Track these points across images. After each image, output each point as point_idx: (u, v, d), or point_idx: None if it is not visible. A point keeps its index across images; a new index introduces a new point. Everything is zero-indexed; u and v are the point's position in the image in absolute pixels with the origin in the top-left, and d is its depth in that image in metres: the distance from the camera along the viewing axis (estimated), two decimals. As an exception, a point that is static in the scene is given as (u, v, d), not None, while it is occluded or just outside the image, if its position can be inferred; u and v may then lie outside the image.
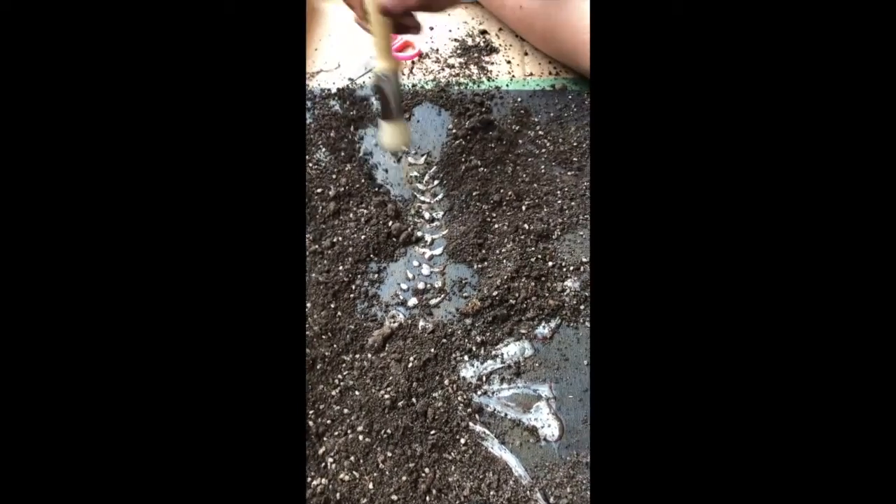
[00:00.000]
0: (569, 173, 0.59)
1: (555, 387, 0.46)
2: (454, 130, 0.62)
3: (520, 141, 0.62)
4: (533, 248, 0.53)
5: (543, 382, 0.46)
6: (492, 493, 0.40)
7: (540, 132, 0.63)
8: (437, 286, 0.52)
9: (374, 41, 0.48)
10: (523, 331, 0.48)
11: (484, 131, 0.62)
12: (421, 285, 0.51)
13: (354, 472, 0.41)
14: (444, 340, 0.48)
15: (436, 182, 0.59)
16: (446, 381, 0.46)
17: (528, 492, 0.40)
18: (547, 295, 0.50)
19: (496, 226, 0.55)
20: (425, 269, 0.53)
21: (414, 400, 0.45)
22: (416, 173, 0.59)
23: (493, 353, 0.47)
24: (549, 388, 0.46)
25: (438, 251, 0.54)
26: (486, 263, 0.52)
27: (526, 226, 0.54)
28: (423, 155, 0.60)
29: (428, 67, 0.70)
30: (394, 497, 0.40)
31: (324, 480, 0.40)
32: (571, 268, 0.52)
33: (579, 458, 0.42)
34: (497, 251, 0.53)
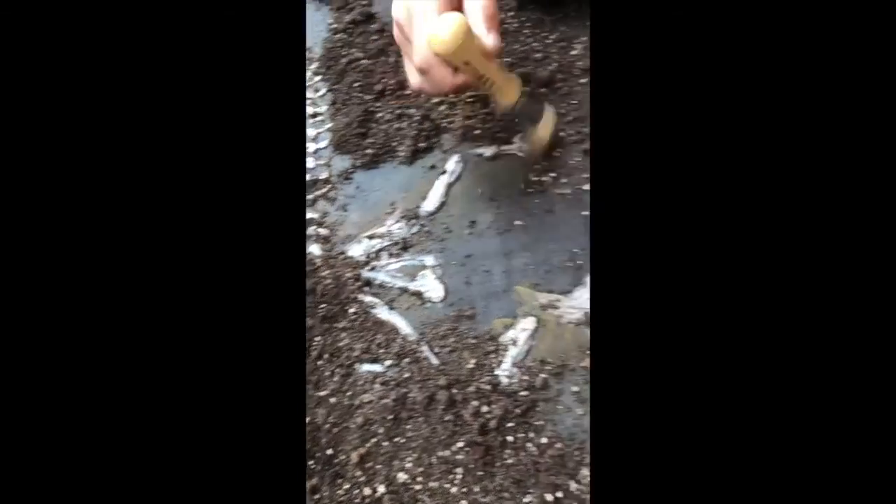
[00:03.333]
0: (452, 61, 0.60)
1: (439, 255, 0.48)
2: (334, 25, 0.61)
3: (403, 32, 0.62)
4: (416, 133, 0.54)
5: (429, 253, 0.49)
6: (381, 350, 0.43)
7: (423, 23, 0.63)
8: (321, 178, 0.52)
9: (498, 87, 0.44)
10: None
11: (366, 24, 0.61)
12: (308, 177, 0.52)
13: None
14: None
15: (318, 78, 0.58)
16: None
17: (414, 345, 0.44)
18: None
19: (379, 115, 0.55)
20: (310, 162, 0.53)
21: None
22: None
23: (381, 231, 0.49)
24: (433, 258, 0.48)
25: (324, 144, 0.54)
26: (369, 150, 0.53)
27: (410, 111, 0.55)
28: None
29: (305, -37, 0.67)
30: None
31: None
32: (454, 143, 0.54)
33: (461, 311, 0.45)
34: (381, 138, 0.54)
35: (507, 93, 0.46)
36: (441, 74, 0.39)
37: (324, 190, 0.51)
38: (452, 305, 0.46)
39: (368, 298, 0.46)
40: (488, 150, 0.54)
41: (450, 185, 0.52)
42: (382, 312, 0.45)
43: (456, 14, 0.37)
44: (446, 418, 0.40)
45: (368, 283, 0.47)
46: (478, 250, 0.49)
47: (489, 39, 0.39)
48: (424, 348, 0.44)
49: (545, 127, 0.50)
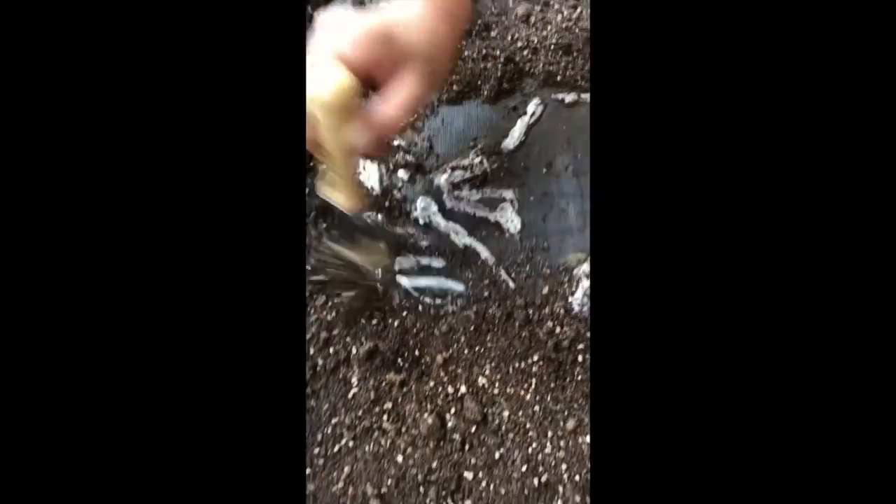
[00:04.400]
0: (536, 7, 0.61)
1: (518, 191, 0.51)
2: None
3: (489, -24, 0.63)
4: (500, 74, 0.56)
5: (508, 188, 0.51)
6: (461, 267, 0.47)
7: (508, -32, 0.63)
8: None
9: (335, 181, 0.38)
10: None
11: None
12: (395, 107, 0.54)
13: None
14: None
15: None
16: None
17: (493, 268, 0.47)
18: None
19: (466, 53, 0.57)
20: (398, 93, 0.55)
21: (387, 204, 0.49)
22: None
23: (464, 163, 0.52)
24: (512, 192, 0.51)
25: (410, 77, 0.56)
26: (455, 87, 0.55)
27: (495, 53, 0.57)
28: None
29: None
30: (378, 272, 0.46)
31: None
32: (535, 87, 0.56)
33: (537, 243, 0.48)
34: (466, 76, 0.56)
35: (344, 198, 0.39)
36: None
37: (410, 120, 0.54)
38: (529, 237, 0.49)
39: (450, 224, 0.49)
40: (568, 97, 0.56)
41: (530, 126, 0.54)
42: (463, 238, 0.48)
43: (348, 75, 0.33)
44: (522, 334, 0.43)
45: (452, 210, 0.50)
46: (554, 189, 0.51)
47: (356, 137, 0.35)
48: (502, 272, 0.47)
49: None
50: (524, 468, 0.39)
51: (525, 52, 0.58)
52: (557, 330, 0.44)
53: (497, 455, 0.39)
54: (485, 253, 0.48)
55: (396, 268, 0.47)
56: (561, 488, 0.38)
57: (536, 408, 0.41)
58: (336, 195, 0.39)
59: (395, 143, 0.53)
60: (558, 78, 0.57)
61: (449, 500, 0.38)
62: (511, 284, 0.46)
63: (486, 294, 0.46)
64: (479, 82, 0.56)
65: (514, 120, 0.55)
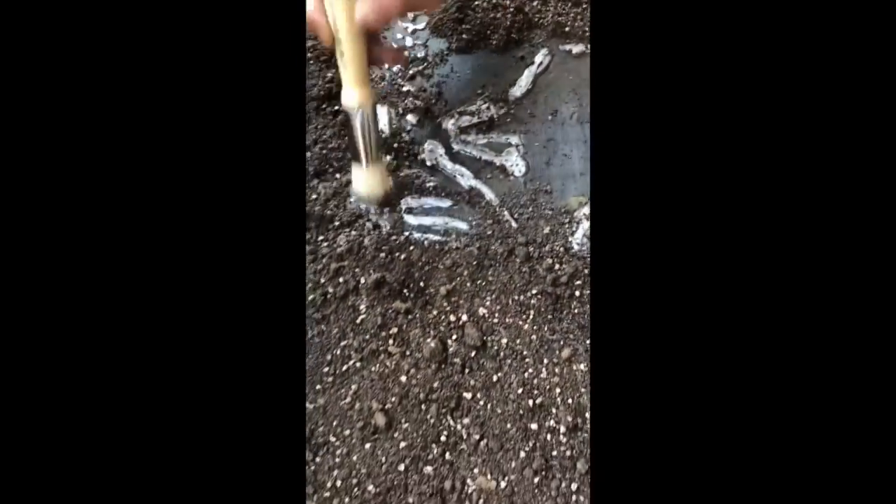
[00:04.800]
0: (547, -41, 0.61)
1: (523, 137, 0.52)
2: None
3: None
4: (509, 24, 0.57)
5: (514, 133, 0.53)
6: (466, 207, 0.48)
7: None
8: (420, 56, 0.56)
9: (345, 67, 0.39)
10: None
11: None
12: (406, 53, 0.56)
13: (351, 195, 0.48)
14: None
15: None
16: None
17: (496, 209, 0.49)
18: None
19: (476, 2, 0.58)
20: (409, 41, 0.56)
21: (395, 145, 0.51)
22: None
23: (472, 109, 0.53)
24: (518, 138, 0.52)
25: (421, 26, 0.57)
26: (464, 36, 0.56)
27: (505, 2, 0.58)
28: None
29: None
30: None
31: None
32: (543, 38, 0.56)
33: (540, 186, 0.50)
34: (476, 25, 0.57)
35: (354, 70, 0.40)
36: None
37: (420, 67, 0.55)
38: (532, 181, 0.50)
39: (457, 167, 0.51)
40: (576, 48, 0.57)
41: (537, 76, 0.55)
42: (469, 180, 0.50)
43: None
44: (523, 270, 0.45)
45: (458, 153, 0.51)
46: (559, 136, 0.53)
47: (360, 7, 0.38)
48: (505, 213, 0.49)
49: (366, 181, 0.44)
50: (520, 391, 0.41)
51: (535, 3, 0.59)
52: (556, 266, 0.46)
53: (495, 378, 0.42)
54: (489, 194, 0.49)
55: (403, 206, 0.49)
56: (554, 409, 0.41)
57: (534, 337, 0.43)
58: (347, 92, 0.41)
59: (405, 88, 0.54)
60: (566, 29, 0.58)
61: (449, 417, 0.40)
62: (513, 224, 0.48)
63: (489, 232, 0.47)
64: (489, 32, 0.57)
65: (521, 69, 0.56)
